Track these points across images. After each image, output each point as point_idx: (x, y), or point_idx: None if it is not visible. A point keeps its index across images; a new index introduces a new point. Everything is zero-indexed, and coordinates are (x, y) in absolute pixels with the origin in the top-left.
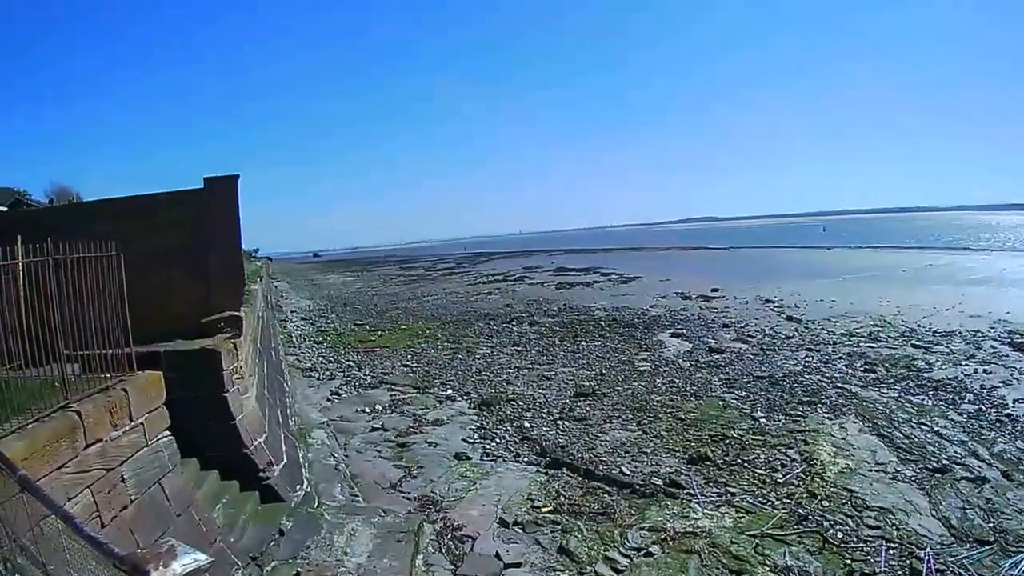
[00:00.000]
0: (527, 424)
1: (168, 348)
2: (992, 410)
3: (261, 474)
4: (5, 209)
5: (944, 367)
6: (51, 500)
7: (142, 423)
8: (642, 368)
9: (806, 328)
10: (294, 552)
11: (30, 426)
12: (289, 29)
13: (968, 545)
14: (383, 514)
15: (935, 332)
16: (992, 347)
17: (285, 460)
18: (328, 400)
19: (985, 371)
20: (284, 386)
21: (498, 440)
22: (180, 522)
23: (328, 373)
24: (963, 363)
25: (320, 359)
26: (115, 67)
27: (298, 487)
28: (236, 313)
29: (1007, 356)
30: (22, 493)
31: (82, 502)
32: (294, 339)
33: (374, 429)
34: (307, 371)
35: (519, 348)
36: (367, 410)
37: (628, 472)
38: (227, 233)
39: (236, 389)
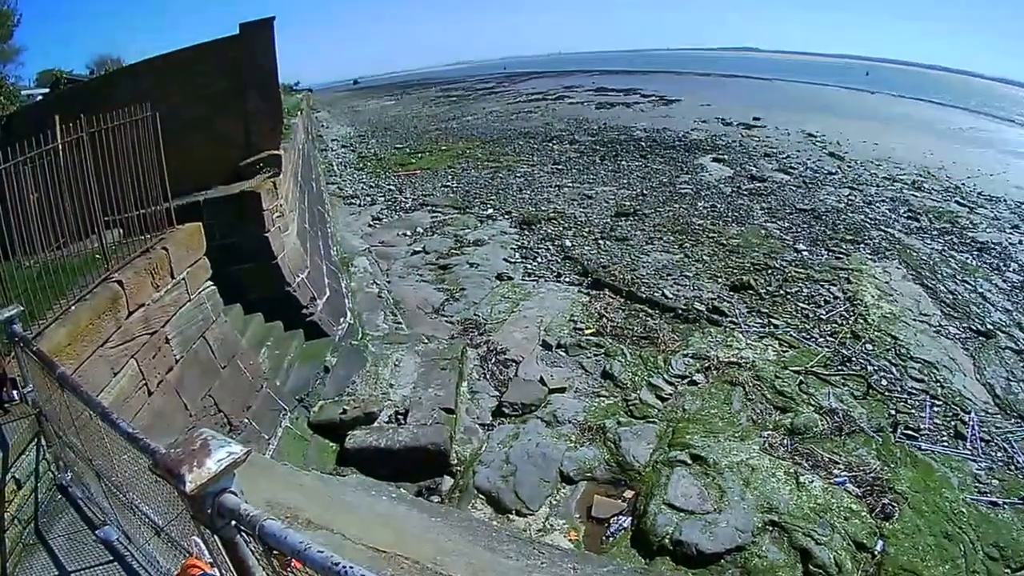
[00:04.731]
0: (568, 243)
1: (208, 196)
2: None
3: (304, 311)
4: (46, 91)
5: (988, 230)
6: (89, 397)
7: (184, 279)
8: (683, 191)
9: (848, 167)
10: (339, 389)
11: (72, 308)
12: None
13: (1012, 420)
14: (427, 341)
15: (979, 194)
16: None
17: (328, 294)
18: (369, 226)
19: None
20: (325, 216)
21: (539, 260)
22: (225, 374)
23: (369, 199)
24: (1007, 231)
25: (361, 186)
26: None
27: (341, 320)
28: (275, 152)
29: None
30: (62, 391)
31: (128, 374)
32: (335, 168)
33: (415, 252)
34: (348, 199)
35: (559, 167)
36: (408, 233)
37: (670, 295)
38: (265, 77)
39: (277, 228)
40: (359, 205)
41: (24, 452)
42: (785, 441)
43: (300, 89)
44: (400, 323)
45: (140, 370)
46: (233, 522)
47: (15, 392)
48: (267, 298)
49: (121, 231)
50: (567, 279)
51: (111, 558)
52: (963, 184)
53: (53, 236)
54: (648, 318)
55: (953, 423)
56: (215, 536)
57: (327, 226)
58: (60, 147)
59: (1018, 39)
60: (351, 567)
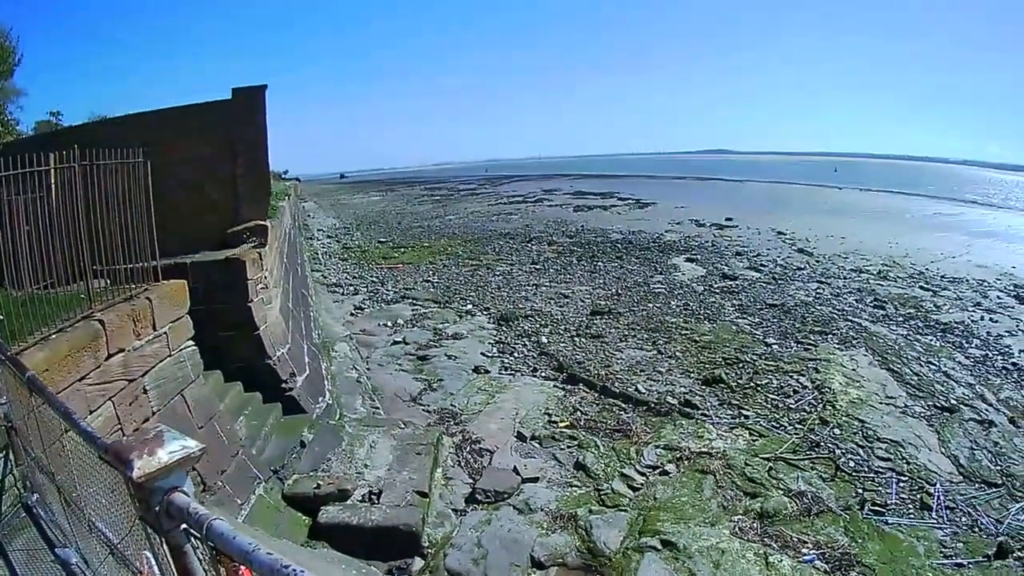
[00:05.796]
0: (545, 340)
1: (194, 259)
2: (998, 357)
3: (284, 385)
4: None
5: (951, 311)
6: (53, 397)
7: (166, 332)
8: (657, 290)
9: (817, 261)
10: (315, 464)
11: (52, 336)
12: None
13: (976, 486)
14: (403, 426)
15: (943, 277)
16: (998, 298)
17: (308, 372)
18: (351, 314)
19: (991, 319)
20: (309, 300)
21: (516, 354)
22: (202, 434)
23: (352, 288)
24: (970, 309)
25: (344, 275)
26: None
27: (320, 399)
28: (262, 222)
29: (1013, 308)
30: (31, 396)
31: (104, 414)
32: (320, 256)
33: (396, 342)
34: (332, 286)
35: (538, 266)
36: (389, 324)
37: (643, 390)
38: (254, 143)
39: (260, 299)
40: (342, 294)
41: None
42: (755, 524)
43: (288, 178)
44: (378, 408)
45: (116, 413)
46: (183, 526)
47: None
48: (247, 368)
49: (108, 282)
50: (543, 374)
51: None
52: (927, 269)
53: (41, 274)
54: (621, 412)
55: (919, 495)
56: (164, 545)
57: (310, 310)
58: (53, 183)
59: (975, 123)
60: (301, 571)
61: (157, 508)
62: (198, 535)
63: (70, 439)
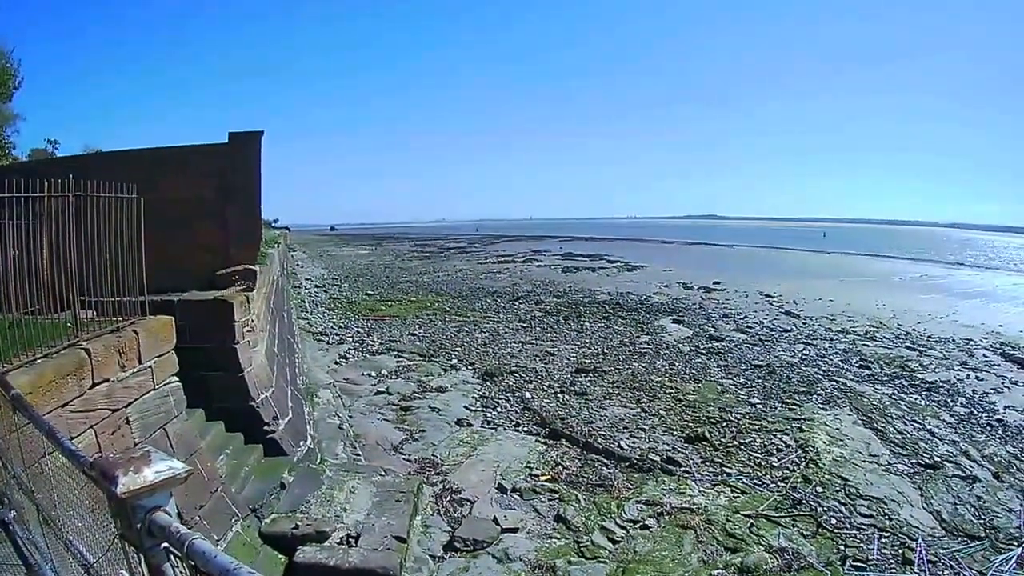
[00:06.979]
0: (528, 395)
1: (182, 297)
2: (983, 414)
3: (266, 427)
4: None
5: (937, 370)
6: (38, 416)
7: (151, 366)
8: (643, 350)
9: (804, 323)
10: (294, 506)
11: (38, 361)
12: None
13: (959, 539)
14: (383, 474)
15: (929, 337)
16: (984, 356)
17: (290, 416)
18: (336, 363)
19: (977, 377)
20: (294, 347)
21: (499, 409)
22: None
23: (338, 338)
24: (956, 368)
25: (331, 324)
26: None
27: (301, 443)
28: (251, 267)
29: (999, 366)
30: (14, 415)
31: (85, 441)
32: (307, 304)
33: (379, 392)
34: (317, 335)
35: (524, 324)
36: (373, 374)
37: (626, 447)
38: (248, 188)
39: (246, 341)
40: (328, 343)
41: None
42: None
43: (278, 227)
44: (359, 455)
45: (97, 442)
46: (163, 544)
47: None
48: (230, 409)
49: (95, 313)
50: (525, 428)
51: None
52: (913, 329)
53: (28, 300)
54: (603, 467)
55: (901, 551)
56: (142, 564)
57: (295, 356)
58: (46, 210)
59: (962, 184)
60: None
61: (139, 526)
62: (178, 554)
63: (52, 460)
